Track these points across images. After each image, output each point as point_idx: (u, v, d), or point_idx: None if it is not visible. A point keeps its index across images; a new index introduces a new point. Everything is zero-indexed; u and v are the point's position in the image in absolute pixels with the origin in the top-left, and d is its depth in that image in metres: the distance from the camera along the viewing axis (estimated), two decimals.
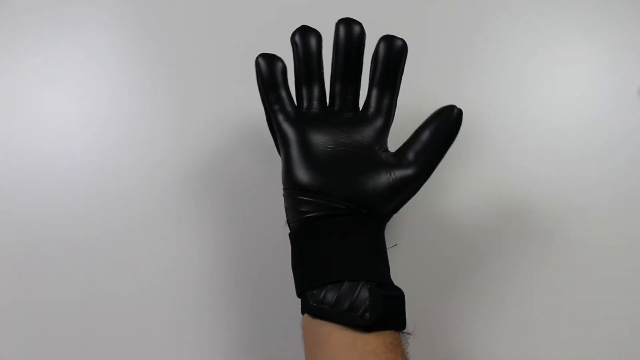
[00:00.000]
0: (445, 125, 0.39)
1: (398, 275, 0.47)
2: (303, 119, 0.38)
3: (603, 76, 0.53)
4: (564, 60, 0.53)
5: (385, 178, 0.37)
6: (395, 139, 0.46)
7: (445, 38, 0.54)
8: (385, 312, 0.33)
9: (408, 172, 0.37)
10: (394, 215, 0.40)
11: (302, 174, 0.36)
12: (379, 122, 0.39)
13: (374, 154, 0.38)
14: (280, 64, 0.39)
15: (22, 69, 0.52)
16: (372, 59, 0.39)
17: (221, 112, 0.50)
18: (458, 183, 0.49)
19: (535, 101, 0.52)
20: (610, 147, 0.50)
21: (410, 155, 0.38)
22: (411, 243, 0.47)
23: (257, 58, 0.39)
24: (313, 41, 0.39)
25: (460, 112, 0.39)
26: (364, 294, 0.33)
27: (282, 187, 0.38)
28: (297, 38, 0.39)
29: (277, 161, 0.40)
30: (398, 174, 0.37)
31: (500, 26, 0.54)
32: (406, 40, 0.38)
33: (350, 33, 0.38)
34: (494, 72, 0.53)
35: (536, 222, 0.48)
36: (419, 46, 0.53)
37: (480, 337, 0.45)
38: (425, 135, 0.38)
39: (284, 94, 0.39)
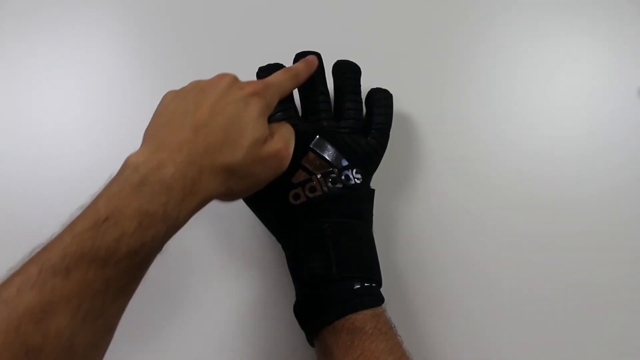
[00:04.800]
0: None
1: (399, 275, 0.47)
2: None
3: (603, 76, 0.53)
4: (564, 60, 0.53)
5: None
6: (396, 139, 0.46)
7: (446, 38, 0.54)
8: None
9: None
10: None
11: None
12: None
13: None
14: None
15: (22, 69, 0.52)
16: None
17: None
18: (458, 182, 0.49)
19: (535, 101, 0.52)
20: (610, 147, 0.50)
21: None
22: (411, 243, 0.47)
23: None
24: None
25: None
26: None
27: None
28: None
29: None
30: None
31: (500, 27, 0.55)
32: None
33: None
34: (494, 73, 0.53)
35: (536, 222, 0.48)
36: (419, 46, 0.54)
37: (481, 337, 0.45)
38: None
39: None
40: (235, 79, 0.37)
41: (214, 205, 0.48)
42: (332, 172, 0.39)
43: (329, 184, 0.39)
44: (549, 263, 0.47)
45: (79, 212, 0.30)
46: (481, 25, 0.54)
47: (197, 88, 0.36)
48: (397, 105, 0.46)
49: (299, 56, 0.44)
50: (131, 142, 0.50)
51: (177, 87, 0.52)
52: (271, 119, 0.42)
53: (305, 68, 0.41)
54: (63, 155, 0.49)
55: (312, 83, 0.43)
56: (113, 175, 0.31)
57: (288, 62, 0.44)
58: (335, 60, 0.45)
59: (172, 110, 0.35)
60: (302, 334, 0.38)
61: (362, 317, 0.35)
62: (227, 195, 0.35)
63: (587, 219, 0.48)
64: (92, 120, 0.50)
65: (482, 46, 0.54)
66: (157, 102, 0.50)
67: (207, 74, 0.52)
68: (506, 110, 0.51)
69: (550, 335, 0.45)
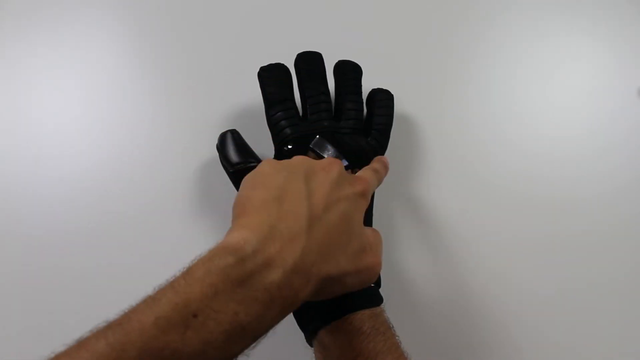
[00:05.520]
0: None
1: (398, 275, 0.47)
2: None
3: (603, 76, 0.53)
4: (564, 60, 0.53)
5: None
6: (396, 139, 0.46)
7: (446, 38, 0.54)
8: None
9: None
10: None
11: None
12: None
13: None
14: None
15: (22, 69, 0.52)
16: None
17: (222, 112, 0.50)
18: (458, 182, 0.49)
19: (535, 101, 0.52)
20: (610, 147, 0.50)
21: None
22: (411, 243, 0.47)
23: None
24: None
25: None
26: None
27: None
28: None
29: None
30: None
31: (500, 27, 0.54)
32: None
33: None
34: (494, 73, 0.53)
35: (536, 221, 0.48)
36: (419, 46, 0.54)
37: (480, 337, 0.45)
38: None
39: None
40: (344, 169, 0.34)
41: (214, 205, 0.48)
42: None
43: None
44: (549, 263, 0.47)
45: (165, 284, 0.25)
46: (481, 25, 0.54)
47: (306, 166, 0.32)
48: (398, 105, 0.46)
49: (300, 56, 0.44)
50: (131, 142, 0.50)
51: (178, 86, 0.52)
52: (272, 119, 0.42)
53: (384, 169, 0.41)
54: (63, 155, 0.49)
55: (313, 83, 0.43)
56: (213, 249, 0.26)
57: (288, 62, 0.44)
58: (336, 60, 0.45)
59: (282, 183, 0.30)
60: (301, 334, 0.38)
61: (361, 317, 0.35)
62: (313, 298, 0.30)
63: (587, 219, 0.48)
64: (92, 120, 0.50)
65: (482, 46, 0.54)
66: (157, 102, 0.51)
67: (207, 74, 0.52)
68: (506, 110, 0.51)
69: (550, 336, 0.45)
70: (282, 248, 0.27)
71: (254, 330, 0.25)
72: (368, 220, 0.42)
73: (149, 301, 0.24)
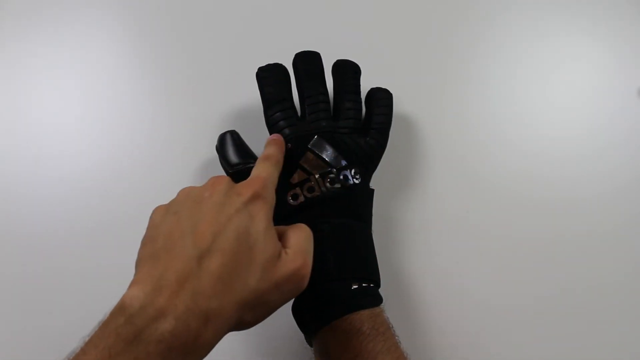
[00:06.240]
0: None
1: (398, 276, 0.47)
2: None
3: (603, 76, 0.53)
4: (564, 60, 0.53)
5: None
6: (396, 139, 0.46)
7: (446, 38, 0.54)
8: None
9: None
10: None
11: None
12: None
13: None
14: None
15: (22, 69, 0.52)
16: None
17: (222, 112, 0.50)
18: (458, 182, 0.49)
19: (535, 101, 0.52)
20: (610, 147, 0.50)
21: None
22: (411, 243, 0.47)
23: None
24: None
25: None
26: None
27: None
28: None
29: None
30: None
31: (500, 27, 0.54)
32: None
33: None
34: (494, 73, 0.53)
35: (536, 222, 0.48)
36: (419, 46, 0.54)
37: (480, 337, 0.45)
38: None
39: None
40: (229, 182, 0.32)
41: None
42: (331, 172, 0.39)
43: (328, 184, 0.39)
44: (548, 263, 0.47)
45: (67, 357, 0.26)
46: (481, 25, 0.54)
47: (190, 199, 0.31)
48: (397, 105, 0.46)
49: (298, 56, 0.44)
50: (131, 142, 0.50)
51: (178, 86, 0.52)
52: (270, 119, 0.42)
53: (279, 149, 0.38)
54: (63, 155, 0.49)
55: (312, 83, 0.43)
56: (107, 315, 0.26)
57: (288, 62, 0.44)
58: (334, 60, 0.45)
59: (167, 231, 0.30)
60: (301, 334, 0.38)
61: (360, 318, 0.35)
62: (237, 328, 0.30)
63: (587, 219, 0.48)
64: (92, 120, 0.50)
65: (482, 46, 0.54)
66: (157, 102, 0.51)
67: (207, 74, 0.52)
68: (506, 110, 0.51)
69: (550, 336, 0.45)
70: (170, 296, 0.26)
71: None
72: (367, 218, 0.42)
73: None
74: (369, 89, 0.46)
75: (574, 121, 0.51)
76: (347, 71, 0.45)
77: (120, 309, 0.26)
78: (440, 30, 0.54)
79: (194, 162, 0.49)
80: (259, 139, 0.44)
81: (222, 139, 0.42)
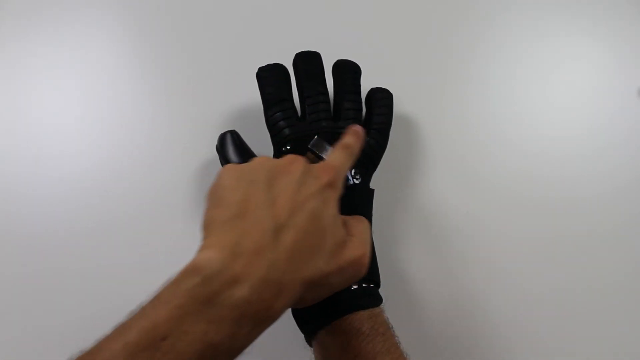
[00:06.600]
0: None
1: (398, 276, 0.47)
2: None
3: (603, 76, 0.53)
4: (564, 60, 0.53)
5: None
6: (396, 139, 0.46)
7: (446, 38, 0.54)
8: None
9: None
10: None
11: None
12: None
13: None
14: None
15: (22, 69, 0.52)
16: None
17: (222, 113, 0.50)
18: (458, 182, 0.49)
19: (535, 101, 0.52)
20: (610, 147, 0.50)
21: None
22: (411, 243, 0.47)
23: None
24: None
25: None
26: None
27: None
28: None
29: None
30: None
31: (500, 27, 0.54)
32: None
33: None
34: (494, 73, 0.53)
35: (536, 221, 0.48)
36: (419, 46, 0.54)
37: (480, 337, 0.45)
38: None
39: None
40: (307, 163, 0.33)
41: None
42: None
43: None
44: (548, 263, 0.47)
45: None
46: (481, 25, 0.54)
47: (267, 170, 0.31)
48: (397, 105, 0.46)
49: (299, 56, 0.44)
50: (131, 142, 0.50)
51: (178, 86, 0.52)
52: (270, 119, 0.42)
53: (357, 141, 0.38)
54: (63, 155, 0.49)
55: (312, 83, 0.43)
56: (180, 271, 0.27)
57: (288, 62, 0.44)
58: (335, 60, 0.45)
59: (242, 196, 0.30)
60: (301, 334, 0.38)
61: (360, 318, 0.35)
62: (297, 305, 0.31)
63: (587, 219, 0.48)
64: (92, 120, 0.50)
65: (482, 46, 0.54)
66: (157, 102, 0.51)
67: (207, 74, 0.52)
68: (506, 110, 0.51)
69: (550, 336, 0.45)
70: (247, 263, 0.26)
71: (228, 349, 0.25)
72: (367, 218, 0.42)
73: (119, 328, 0.25)
74: (369, 89, 0.46)
75: (574, 121, 0.51)
76: (347, 71, 0.45)
77: (194, 270, 0.26)
78: (440, 30, 0.54)
79: (194, 162, 0.48)
80: (259, 139, 0.44)
81: (222, 139, 0.42)
